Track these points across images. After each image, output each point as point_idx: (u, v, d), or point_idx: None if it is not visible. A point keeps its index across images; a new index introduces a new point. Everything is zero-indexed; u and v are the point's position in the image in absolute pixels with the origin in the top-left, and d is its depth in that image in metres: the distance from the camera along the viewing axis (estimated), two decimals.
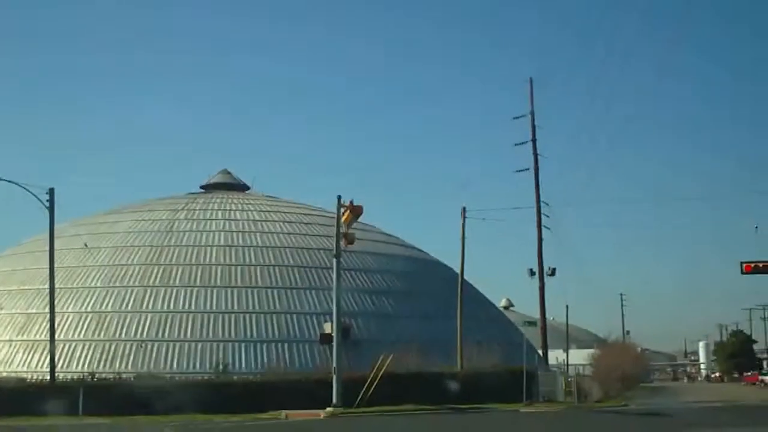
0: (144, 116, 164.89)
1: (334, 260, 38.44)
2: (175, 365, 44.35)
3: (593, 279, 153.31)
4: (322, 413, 34.56)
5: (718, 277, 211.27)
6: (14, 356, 46.31)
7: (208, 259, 51.09)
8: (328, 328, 40.25)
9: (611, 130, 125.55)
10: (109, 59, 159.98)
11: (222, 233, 54.09)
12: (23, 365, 45.33)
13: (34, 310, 48.02)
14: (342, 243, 38.20)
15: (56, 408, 34.77)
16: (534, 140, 50.32)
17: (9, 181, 37.75)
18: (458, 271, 47.82)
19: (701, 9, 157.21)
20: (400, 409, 35.72)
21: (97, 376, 40.92)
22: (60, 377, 39.52)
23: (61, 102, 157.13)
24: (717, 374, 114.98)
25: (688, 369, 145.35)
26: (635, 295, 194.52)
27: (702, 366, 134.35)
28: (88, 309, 47.76)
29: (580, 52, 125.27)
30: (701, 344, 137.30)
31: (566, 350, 69.11)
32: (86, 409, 34.95)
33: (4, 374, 43.56)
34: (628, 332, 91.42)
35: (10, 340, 47.19)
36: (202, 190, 66.13)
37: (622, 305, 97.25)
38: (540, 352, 49.83)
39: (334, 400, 35.79)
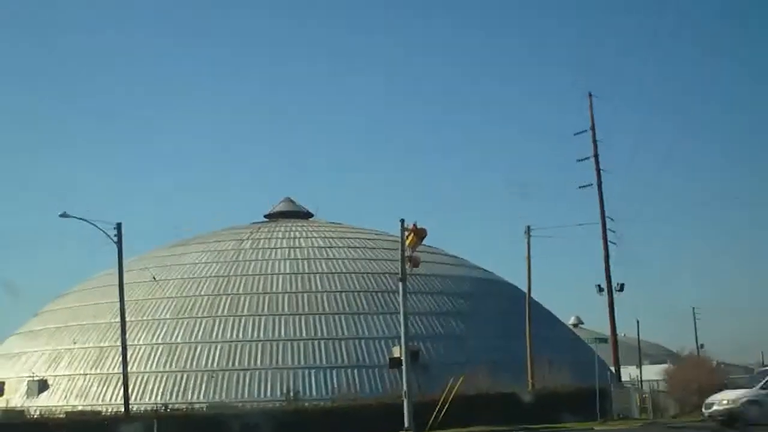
0: (204, 147, 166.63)
1: (400, 284, 38.27)
2: (246, 394, 44.60)
3: (663, 293, 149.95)
4: None
5: None
6: (89, 389, 47.02)
7: (274, 288, 51.41)
8: (396, 352, 40.07)
9: (668, 139, 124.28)
10: (169, 86, 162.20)
11: (287, 261, 54.41)
12: (98, 398, 45.98)
13: (106, 344, 48.73)
14: (407, 266, 38.07)
15: None
16: (596, 155, 49.96)
17: (78, 218, 38.32)
18: (525, 290, 47.49)
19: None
20: (472, 431, 35.47)
21: (170, 406, 41.34)
22: (134, 409, 39.99)
23: (122, 135, 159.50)
24: None
25: None
26: (708, 308, 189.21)
27: None
28: (159, 341, 48.36)
29: (629, 63, 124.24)
30: None
31: (639, 366, 68.05)
32: None
33: (80, 407, 44.20)
34: (702, 346, 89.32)
35: (85, 374, 47.93)
36: (266, 219, 66.67)
37: (694, 318, 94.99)
38: (612, 368, 49.18)
39: (406, 424, 35.59)
